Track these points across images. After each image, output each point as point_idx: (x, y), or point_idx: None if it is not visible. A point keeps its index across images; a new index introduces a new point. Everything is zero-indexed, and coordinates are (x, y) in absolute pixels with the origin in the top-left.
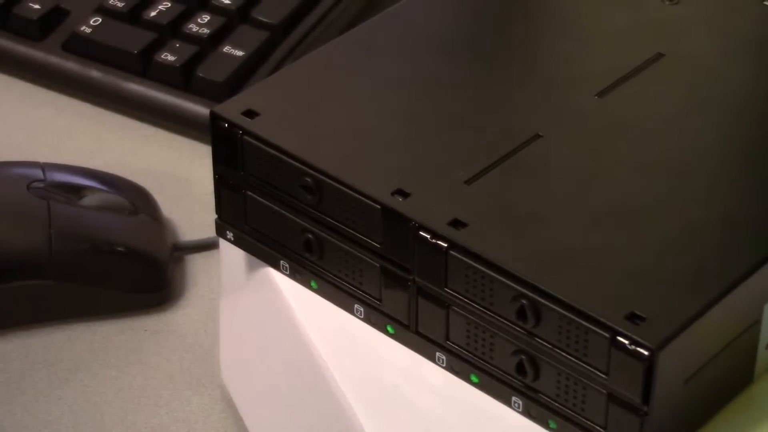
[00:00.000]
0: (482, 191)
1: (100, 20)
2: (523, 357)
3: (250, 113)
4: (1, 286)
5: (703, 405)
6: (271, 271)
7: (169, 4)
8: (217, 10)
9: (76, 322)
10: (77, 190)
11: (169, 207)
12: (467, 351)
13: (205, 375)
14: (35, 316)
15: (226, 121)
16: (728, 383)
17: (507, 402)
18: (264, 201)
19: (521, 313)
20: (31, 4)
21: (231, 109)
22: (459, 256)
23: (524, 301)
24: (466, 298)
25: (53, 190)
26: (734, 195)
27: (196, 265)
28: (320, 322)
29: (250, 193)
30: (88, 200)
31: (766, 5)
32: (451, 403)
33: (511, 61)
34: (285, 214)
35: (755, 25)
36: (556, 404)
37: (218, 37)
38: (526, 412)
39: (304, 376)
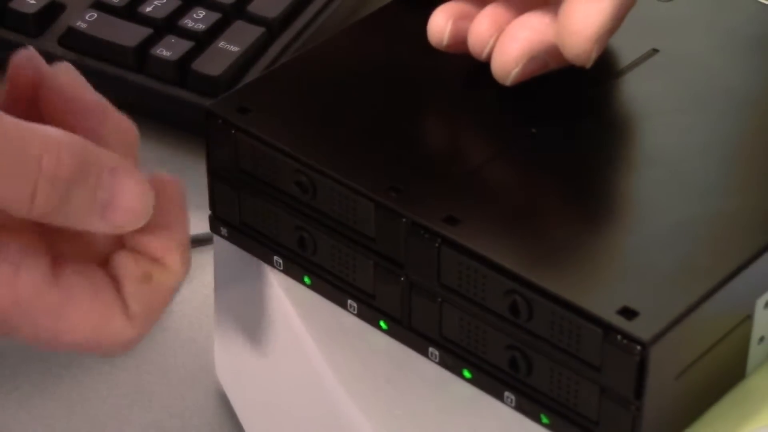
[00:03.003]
0: (475, 187)
1: (96, 15)
2: (516, 352)
3: (244, 110)
4: None
5: (695, 400)
6: (265, 267)
7: (165, 0)
8: (213, 6)
9: None
10: None
11: None
12: (460, 346)
13: (200, 370)
14: None
15: (220, 117)
16: (721, 378)
17: (500, 397)
18: (257, 197)
19: (514, 308)
20: (27, 0)
21: (225, 105)
22: (452, 251)
23: (517, 297)
24: (459, 293)
25: None
26: (727, 190)
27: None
28: (314, 318)
29: (243, 189)
30: None
31: (758, 2)
32: (444, 397)
33: None
34: (278, 210)
35: (748, 21)
36: (549, 399)
37: (214, 32)
38: (519, 407)
39: (299, 372)
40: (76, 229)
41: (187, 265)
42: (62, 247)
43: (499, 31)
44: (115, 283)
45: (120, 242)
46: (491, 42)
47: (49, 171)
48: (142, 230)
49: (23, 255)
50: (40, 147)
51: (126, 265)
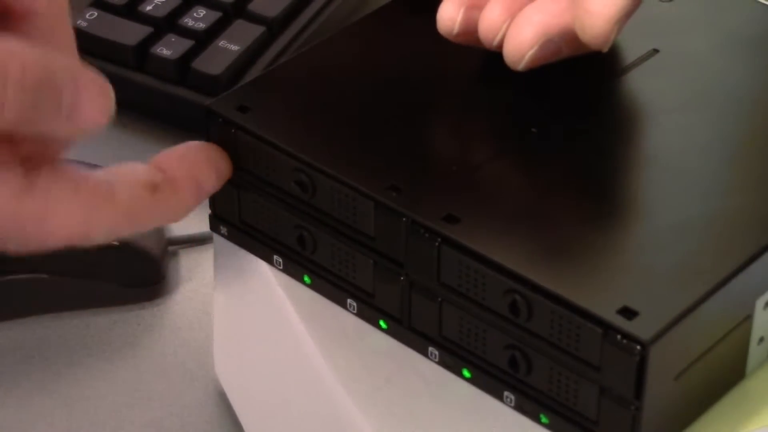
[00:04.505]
0: (476, 187)
1: (96, 14)
2: (516, 351)
3: (244, 108)
4: None
5: (695, 400)
6: (265, 266)
7: None
8: (213, 4)
9: (71, 316)
10: None
11: None
12: (460, 346)
13: (199, 369)
14: (29, 309)
15: (221, 116)
16: (720, 378)
17: (499, 397)
18: (257, 196)
19: (514, 308)
20: None
21: (225, 104)
22: (452, 250)
23: (517, 296)
24: (458, 292)
25: None
26: (728, 190)
27: (191, 259)
28: (313, 317)
29: (243, 188)
30: None
31: (758, 2)
32: (443, 397)
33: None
34: (278, 209)
35: (748, 21)
36: (549, 399)
37: (214, 31)
38: (519, 407)
39: (298, 371)
40: (44, 136)
41: (196, 201)
42: (34, 153)
43: (512, 17)
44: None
45: None
46: (503, 28)
47: (16, 77)
48: (169, 153)
49: None
50: (5, 55)
51: (138, 168)
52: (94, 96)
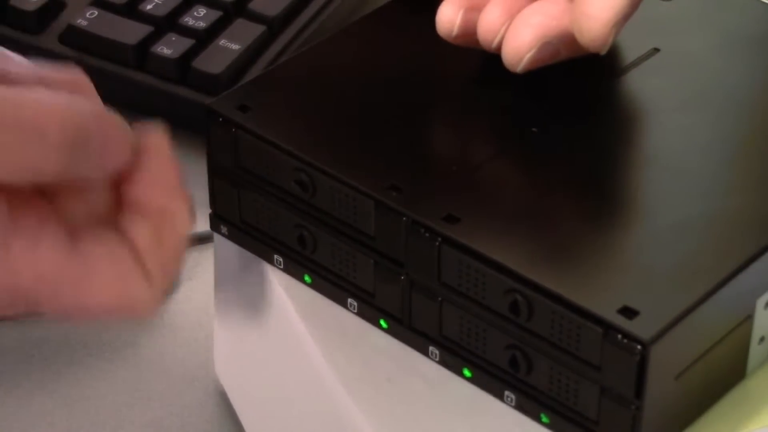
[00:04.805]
0: (476, 186)
1: (96, 13)
2: (516, 351)
3: (244, 108)
4: None
5: (695, 400)
6: (266, 266)
7: None
8: (214, 3)
9: None
10: None
11: None
12: (460, 345)
13: (200, 369)
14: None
15: (221, 115)
16: (721, 378)
17: (500, 396)
18: (258, 195)
19: (514, 307)
20: None
21: (226, 103)
22: (452, 250)
23: (517, 296)
24: (459, 292)
25: None
26: (728, 190)
27: (191, 258)
28: (314, 317)
29: (244, 187)
30: None
31: (759, 2)
32: (444, 396)
33: None
34: (279, 209)
35: (748, 21)
36: (549, 398)
37: (214, 30)
38: (519, 407)
39: (298, 371)
40: (75, 183)
41: (190, 208)
42: (67, 208)
43: (511, 19)
44: (130, 244)
45: (119, 194)
46: (502, 30)
47: (56, 136)
48: (139, 182)
49: (40, 228)
50: (43, 115)
51: (135, 225)
52: (119, 141)
